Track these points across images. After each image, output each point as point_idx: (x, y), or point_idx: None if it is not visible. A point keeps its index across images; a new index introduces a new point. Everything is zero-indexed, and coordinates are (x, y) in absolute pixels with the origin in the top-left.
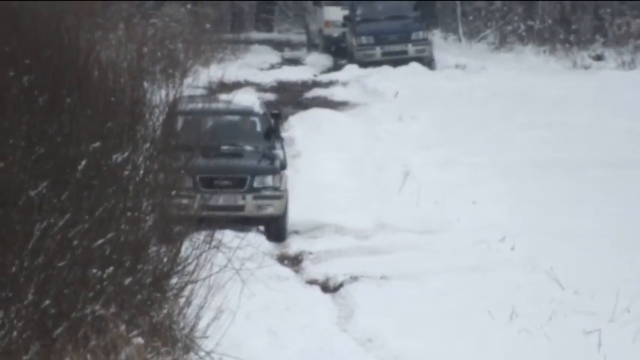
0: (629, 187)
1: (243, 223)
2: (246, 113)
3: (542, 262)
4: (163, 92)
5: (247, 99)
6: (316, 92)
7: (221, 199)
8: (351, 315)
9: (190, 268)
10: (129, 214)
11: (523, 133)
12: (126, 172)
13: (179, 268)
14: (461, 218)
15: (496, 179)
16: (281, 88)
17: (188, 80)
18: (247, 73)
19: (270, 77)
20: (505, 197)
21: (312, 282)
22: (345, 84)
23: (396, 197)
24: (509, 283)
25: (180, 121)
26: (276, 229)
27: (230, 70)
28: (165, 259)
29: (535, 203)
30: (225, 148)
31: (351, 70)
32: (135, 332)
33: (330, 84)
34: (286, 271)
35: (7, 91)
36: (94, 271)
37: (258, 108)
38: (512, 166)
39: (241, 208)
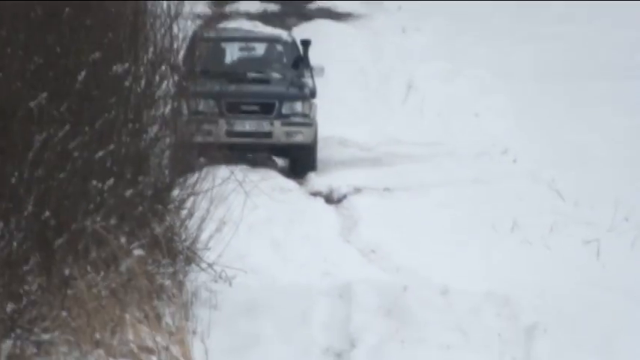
0: (632, 99)
1: (270, 151)
2: (274, 41)
3: (543, 173)
4: (165, 3)
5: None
6: (319, 3)
7: (247, 125)
8: (354, 226)
9: (192, 179)
10: (130, 125)
11: (526, 45)
12: (126, 83)
13: (181, 180)
14: (464, 130)
15: (499, 92)
16: None
17: None
18: None
19: None
20: (507, 110)
21: (315, 194)
22: None
23: (400, 110)
24: (511, 195)
25: (204, 49)
26: (304, 159)
27: None
28: (166, 171)
29: (537, 116)
30: (252, 74)
31: None
32: (136, 244)
33: None
34: (290, 183)
35: (4, 0)
36: (95, 182)
37: (286, 36)
38: (515, 78)
39: (269, 134)
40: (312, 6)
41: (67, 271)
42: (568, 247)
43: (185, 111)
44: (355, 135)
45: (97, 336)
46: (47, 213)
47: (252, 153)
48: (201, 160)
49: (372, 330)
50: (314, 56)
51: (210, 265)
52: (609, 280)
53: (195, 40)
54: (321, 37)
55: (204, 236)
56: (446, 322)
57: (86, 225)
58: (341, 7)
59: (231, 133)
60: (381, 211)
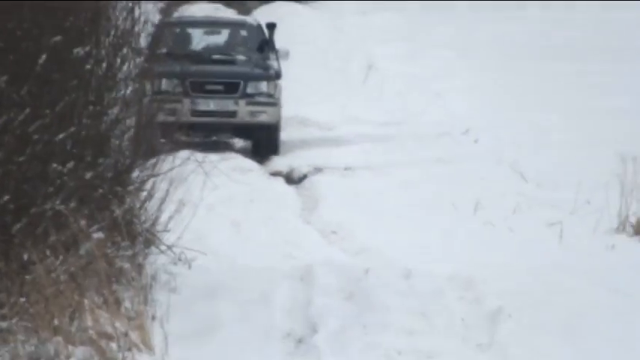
0: (593, 80)
1: (234, 131)
2: (239, 25)
3: (506, 154)
4: None
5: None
6: None
7: (212, 104)
8: (315, 207)
9: (152, 161)
10: (90, 107)
11: (488, 26)
12: (87, 66)
13: (141, 161)
14: (425, 110)
15: (460, 72)
16: None
17: None
18: None
19: None
20: (469, 90)
21: (275, 174)
22: None
23: (361, 89)
24: (474, 176)
25: (170, 33)
26: (268, 140)
27: None
28: (126, 153)
29: (499, 96)
30: (216, 56)
31: None
32: (95, 227)
33: None
34: (250, 163)
35: None
36: (55, 165)
37: (251, 20)
38: (477, 59)
39: (233, 114)
40: None
41: (25, 256)
42: (531, 229)
43: (149, 91)
44: (316, 115)
45: (56, 322)
46: (6, 197)
47: (216, 133)
48: (163, 142)
49: (334, 314)
50: (274, 38)
51: (169, 247)
52: (573, 263)
53: (160, 24)
54: (281, 19)
55: (163, 218)
56: (408, 306)
57: (45, 208)
58: None
59: (195, 113)
60: (342, 191)
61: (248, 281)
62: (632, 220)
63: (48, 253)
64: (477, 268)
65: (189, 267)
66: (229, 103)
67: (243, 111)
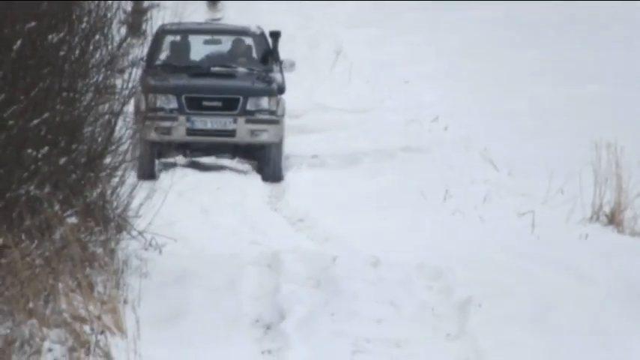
0: (561, 67)
1: (233, 151)
2: (241, 33)
3: (475, 142)
4: None
5: None
6: None
7: (209, 123)
8: (282, 194)
9: (124, 147)
10: (64, 94)
11: (455, 13)
12: (61, 53)
13: (113, 147)
14: (393, 97)
15: (429, 59)
16: None
17: None
18: None
19: None
20: (438, 77)
21: (242, 161)
22: None
23: (328, 76)
24: (443, 164)
25: (167, 41)
26: (269, 161)
27: None
28: (99, 139)
29: (468, 83)
30: (215, 68)
31: None
32: (69, 212)
33: None
34: None
35: None
36: (29, 151)
37: (254, 28)
38: (446, 45)
39: (232, 133)
40: None
41: (0, 240)
42: (502, 218)
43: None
44: None
45: (31, 305)
46: None
47: (214, 153)
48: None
49: (302, 301)
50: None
51: (140, 233)
52: (544, 252)
53: (158, 32)
54: (247, 7)
55: (134, 203)
56: (377, 295)
57: (20, 193)
58: None
59: (191, 132)
60: (309, 178)
61: (216, 268)
62: (606, 209)
63: (23, 237)
64: (446, 257)
65: (160, 252)
66: (228, 121)
67: (243, 129)
